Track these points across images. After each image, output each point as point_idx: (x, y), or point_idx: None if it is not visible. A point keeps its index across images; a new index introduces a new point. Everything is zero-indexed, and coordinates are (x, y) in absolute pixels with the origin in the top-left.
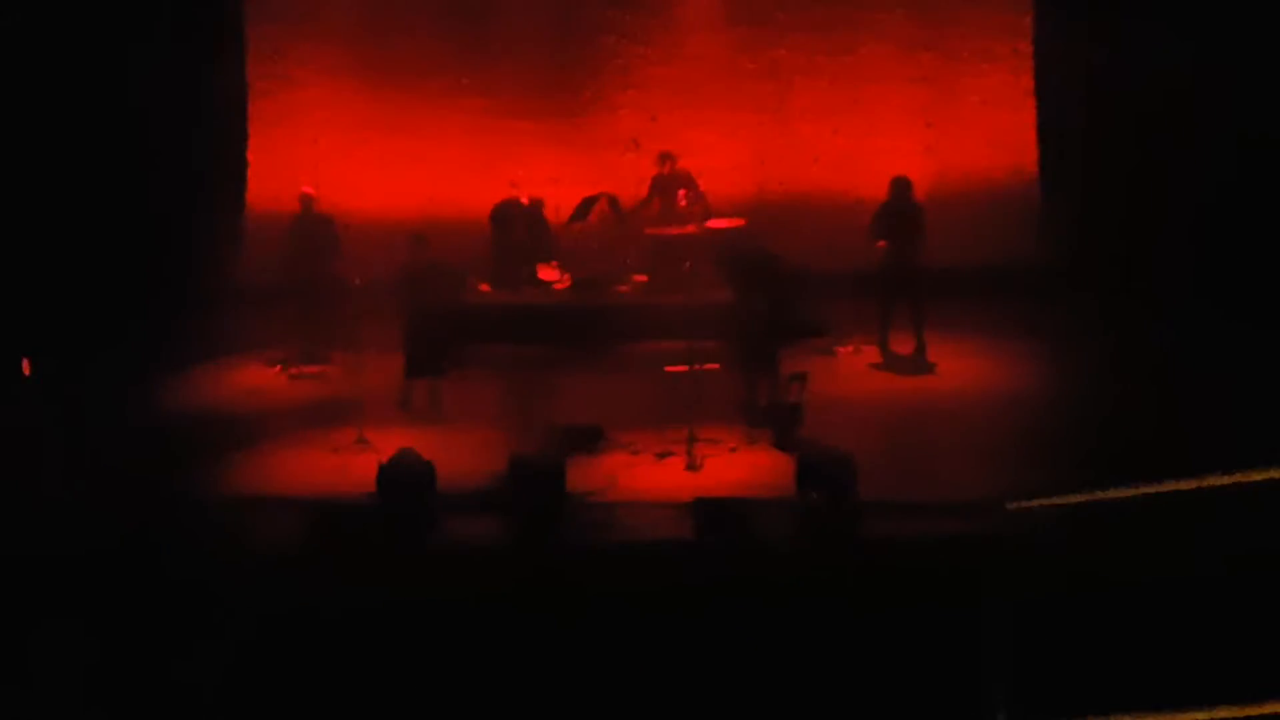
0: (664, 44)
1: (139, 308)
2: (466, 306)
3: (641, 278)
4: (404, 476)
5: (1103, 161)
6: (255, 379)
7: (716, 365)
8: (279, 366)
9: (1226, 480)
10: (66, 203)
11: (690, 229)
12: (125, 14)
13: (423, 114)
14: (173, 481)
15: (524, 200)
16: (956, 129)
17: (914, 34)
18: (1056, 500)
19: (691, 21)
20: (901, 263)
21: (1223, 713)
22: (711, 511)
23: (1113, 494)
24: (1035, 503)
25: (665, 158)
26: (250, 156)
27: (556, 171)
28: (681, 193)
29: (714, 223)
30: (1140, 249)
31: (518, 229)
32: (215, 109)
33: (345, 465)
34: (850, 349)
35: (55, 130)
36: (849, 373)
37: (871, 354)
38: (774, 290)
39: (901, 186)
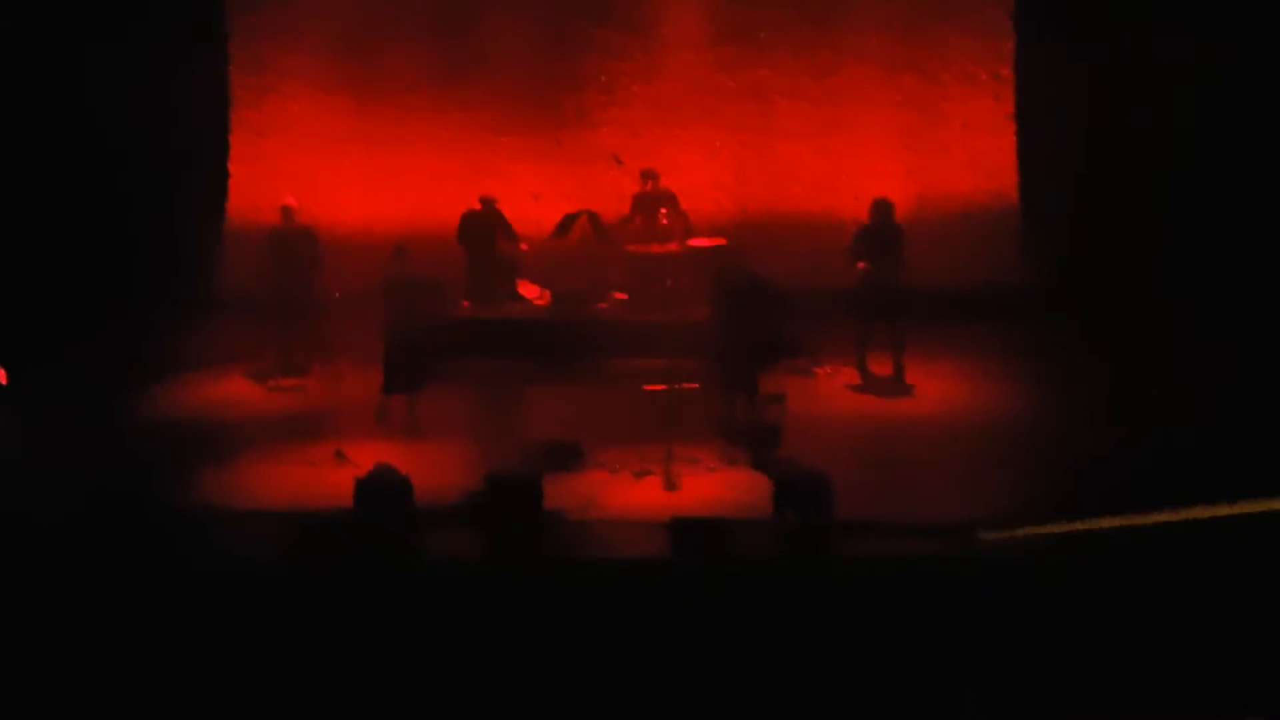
0: (647, 62)
1: (117, 317)
2: (446, 321)
3: (622, 295)
4: (381, 491)
5: (1083, 186)
6: (233, 390)
7: (695, 384)
8: (257, 378)
9: (1208, 513)
10: (45, 212)
11: (671, 247)
12: (108, 24)
13: (406, 127)
14: (148, 493)
15: (481, 206)
16: (938, 152)
17: (896, 56)
18: (1029, 530)
19: (675, 40)
20: (881, 284)
21: None
22: (688, 530)
23: (1087, 525)
24: (1008, 532)
25: (647, 175)
26: (232, 167)
27: (538, 187)
28: (663, 211)
29: (695, 241)
30: (1120, 273)
31: (491, 239)
32: (197, 120)
33: (322, 479)
34: (829, 370)
35: (36, 140)
36: (827, 394)
37: (850, 375)
38: (754, 310)
39: (882, 208)
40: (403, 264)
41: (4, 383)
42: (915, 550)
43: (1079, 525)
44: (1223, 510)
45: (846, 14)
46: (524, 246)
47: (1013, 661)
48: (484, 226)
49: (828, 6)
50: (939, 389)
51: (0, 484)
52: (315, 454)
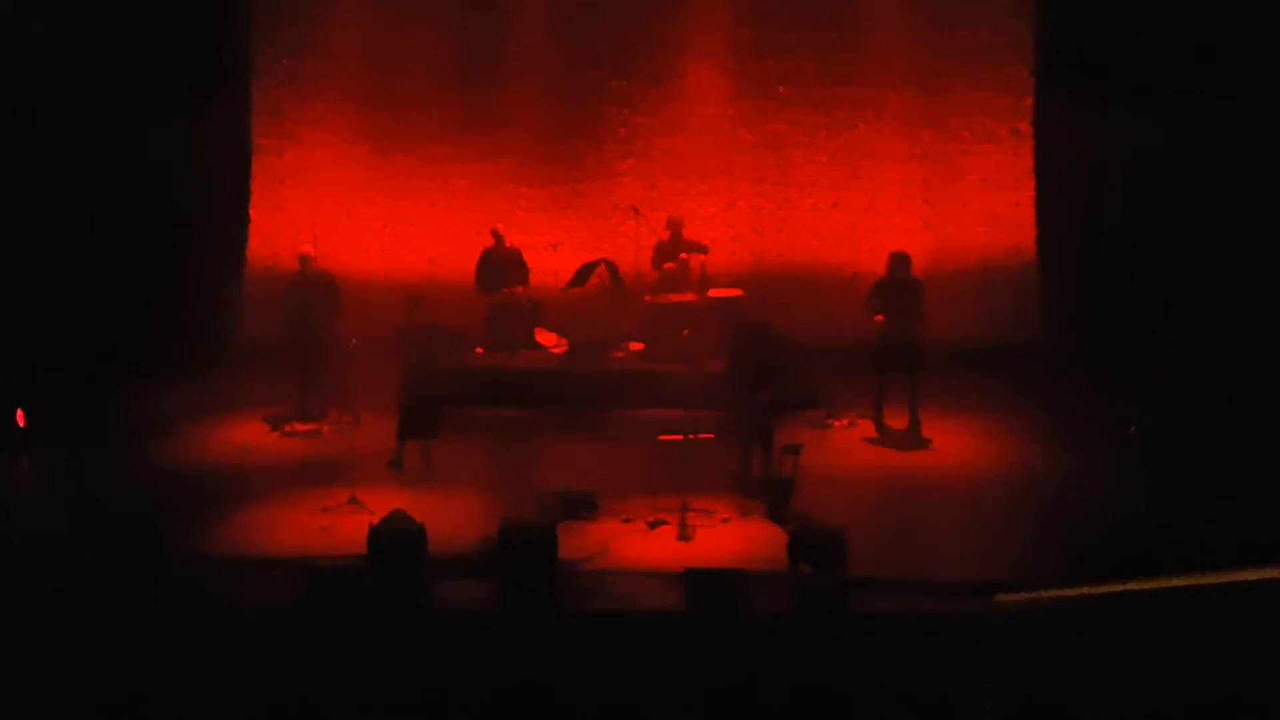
0: (666, 114)
1: (136, 362)
2: (462, 369)
3: (638, 345)
4: (395, 538)
5: (1101, 242)
6: (250, 436)
7: (711, 435)
8: (274, 424)
9: (1230, 578)
10: (66, 259)
11: (689, 297)
12: (133, 72)
13: (425, 177)
14: (165, 538)
15: (496, 245)
16: (956, 206)
17: (915, 111)
18: (1046, 594)
19: (694, 93)
20: (898, 338)
21: None
22: (702, 582)
23: (1105, 589)
24: (1024, 595)
25: (672, 224)
26: (252, 214)
27: (557, 237)
28: (697, 260)
29: (713, 292)
30: (1139, 330)
31: (508, 284)
32: (219, 167)
33: (336, 525)
34: (845, 422)
35: (56, 188)
36: (843, 446)
37: (866, 428)
38: (770, 362)
39: (900, 261)
40: (418, 312)
41: (22, 425)
42: (930, 609)
43: (1099, 588)
44: (1248, 574)
45: (865, 69)
46: (535, 294)
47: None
48: (499, 269)
49: (847, 61)
50: (956, 443)
51: (19, 528)
52: (330, 500)
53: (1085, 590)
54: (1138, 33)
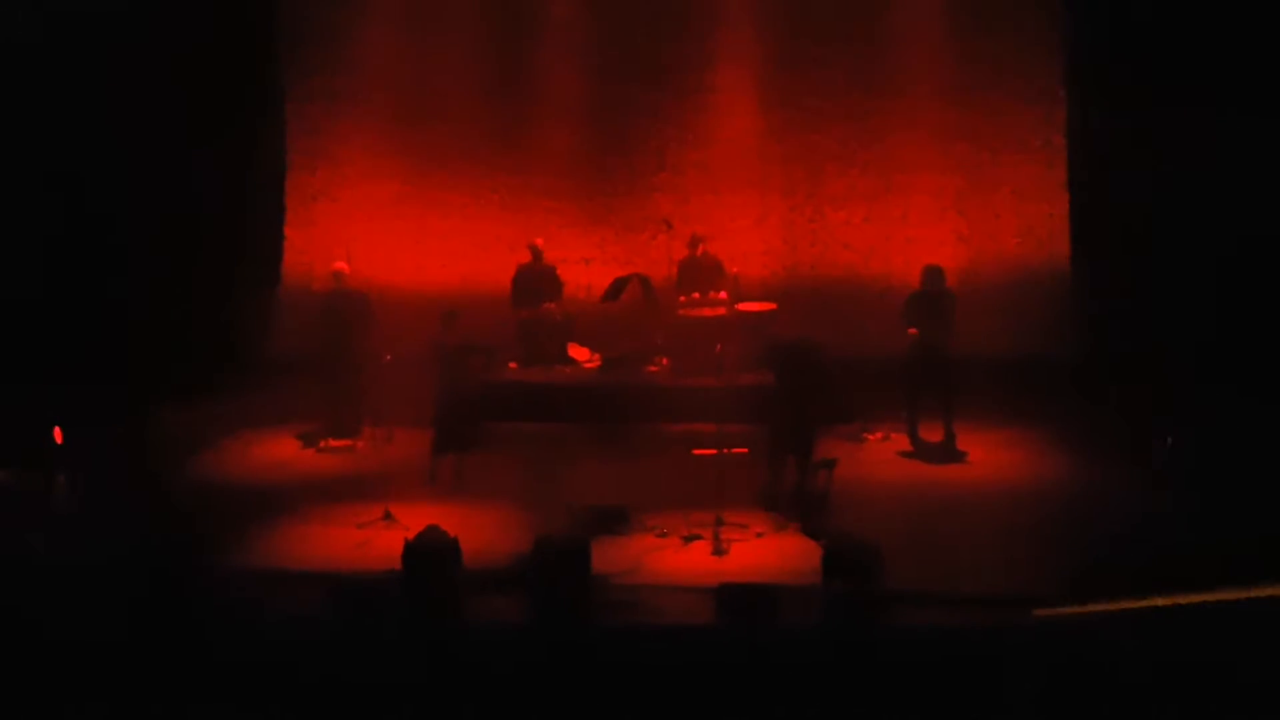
0: (698, 128)
1: (172, 378)
2: (496, 384)
3: (670, 359)
4: (429, 553)
5: (1135, 254)
6: (285, 452)
7: (745, 449)
8: (307, 440)
9: (1270, 591)
10: (101, 274)
11: (720, 311)
12: (167, 89)
13: (458, 192)
14: (200, 553)
15: (534, 260)
16: (989, 218)
17: (947, 123)
18: (1084, 609)
19: (725, 106)
20: (932, 350)
21: None
22: (737, 597)
23: (1144, 603)
24: (1062, 610)
25: (695, 240)
26: (287, 231)
27: (589, 251)
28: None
29: (744, 305)
30: (1174, 342)
31: (541, 299)
32: (253, 185)
33: (371, 540)
34: (880, 436)
35: (90, 203)
36: (878, 460)
37: (901, 441)
38: (804, 375)
39: (933, 274)
40: (452, 328)
41: (60, 442)
42: (966, 623)
43: (1135, 602)
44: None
45: (896, 81)
46: (568, 309)
47: None
48: (534, 284)
49: (877, 73)
50: (991, 456)
51: (56, 544)
52: (365, 515)
53: (1123, 605)
54: (1171, 42)
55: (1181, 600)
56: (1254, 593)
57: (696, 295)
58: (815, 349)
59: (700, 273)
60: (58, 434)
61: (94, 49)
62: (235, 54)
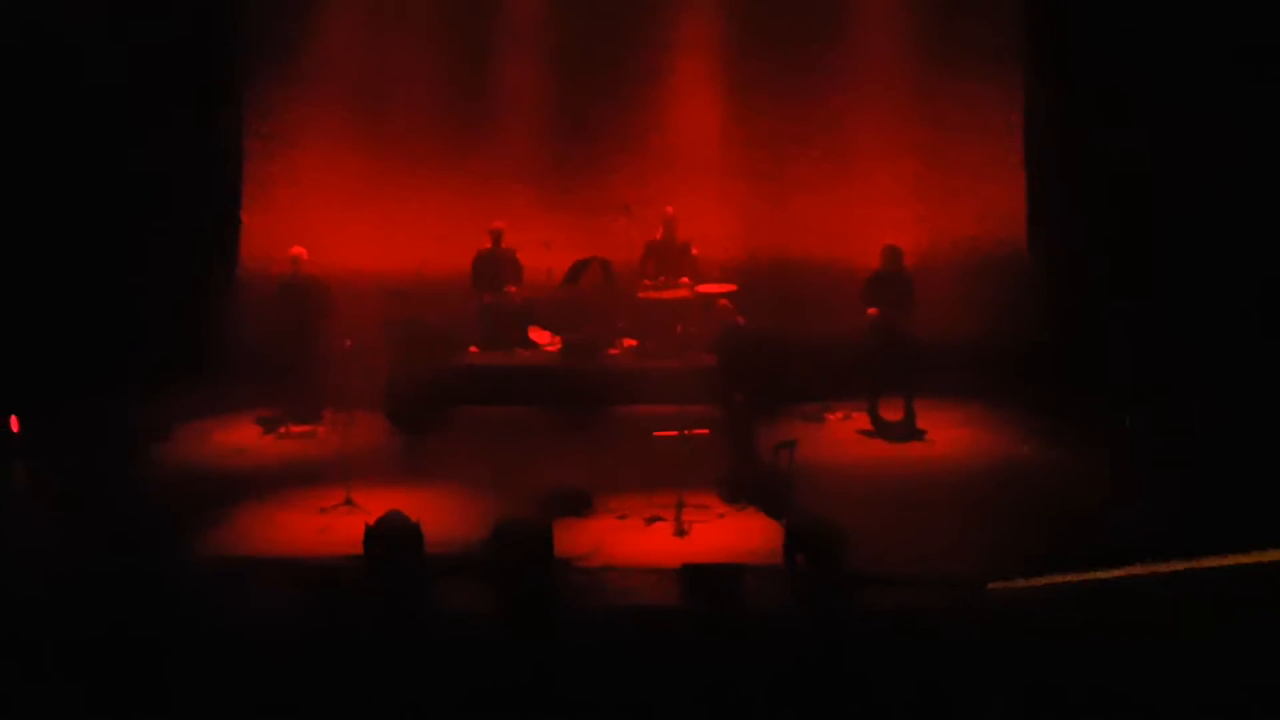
0: (658, 111)
1: (129, 365)
2: (456, 368)
3: (632, 341)
4: (391, 539)
5: (1091, 233)
6: (245, 438)
7: (706, 431)
8: (268, 426)
9: (1223, 562)
10: (58, 260)
11: (682, 293)
12: (122, 71)
13: (417, 177)
14: (159, 541)
15: (493, 245)
16: (948, 199)
17: (906, 105)
18: (1040, 580)
19: (685, 89)
20: (892, 330)
21: None
22: (699, 577)
23: (1099, 575)
24: (1018, 583)
25: (668, 221)
26: (244, 217)
27: (549, 235)
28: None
29: (705, 287)
30: (1129, 319)
31: (502, 283)
32: (209, 169)
33: (333, 526)
34: (840, 415)
35: (49, 185)
36: (839, 439)
37: (862, 421)
38: (751, 362)
39: (892, 255)
40: (401, 307)
41: (16, 431)
42: (926, 600)
43: (1092, 575)
44: (1238, 559)
45: (856, 63)
46: (528, 292)
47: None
48: (494, 268)
49: (837, 55)
50: (950, 435)
51: (13, 533)
52: (326, 501)
53: (1076, 577)
54: (1129, 22)
55: (1136, 571)
56: (1208, 564)
57: (663, 278)
58: (756, 334)
59: (668, 255)
60: (14, 422)
61: (48, 33)
62: (192, 37)
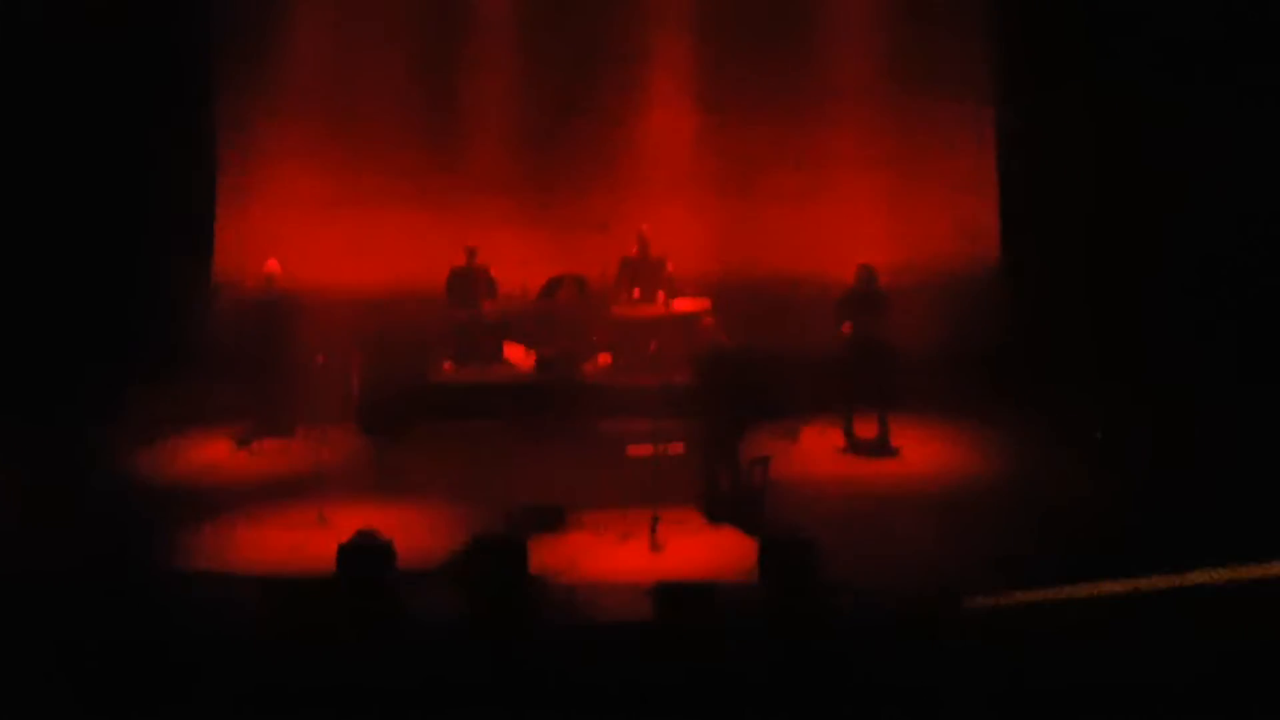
0: (633, 125)
1: (102, 379)
2: (432, 384)
3: (606, 358)
4: (364, 556)
5: (1065, 249)
6: (216, 454)
7: (681, 446)
8: (240, 441)
9: (1201, 579)
10: (31, 271)
11: (656, 310)
12: (96, 84)
13: (392, 192)
14: (131, 556)
15: (468, 262)
16: (922, 214)
17: (880, 120)
18: (1015, 597)
19: (660, 104)
20: (866, 346)
21: None
22: (673, 594)
23: (1073, 591)
24: (993, 599)
25: (643, 239)
26: (218, 231)
27: (524, 250)
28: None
29: (681, 303)
30: (1104, 336)
31: (477, 299)
32: (183, 182)
33: (306, 543)
34: (815, 431)
35: (18, 196)
36: (814, 455)
37: (836, 437)
38: (738, 372)
39: (867, 271)
40: (375, 321)
41: None
42: (901, 613)
43: (1067, 591)
44: (1212, 575)
45: (830, 78)
46: (503, 308)
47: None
48: (469, 284)
49: (811, 70)
50: (924, 450)
51: None
52: (299, 517)
53: (1053, 592)
54: (1099, 35)
55: (1112, 587)
56: (1182, 581)
57: (637, 293)
58: (736, 352)
59: (643, 271)
60: None
61: (18, 41)
62: (165, 48)
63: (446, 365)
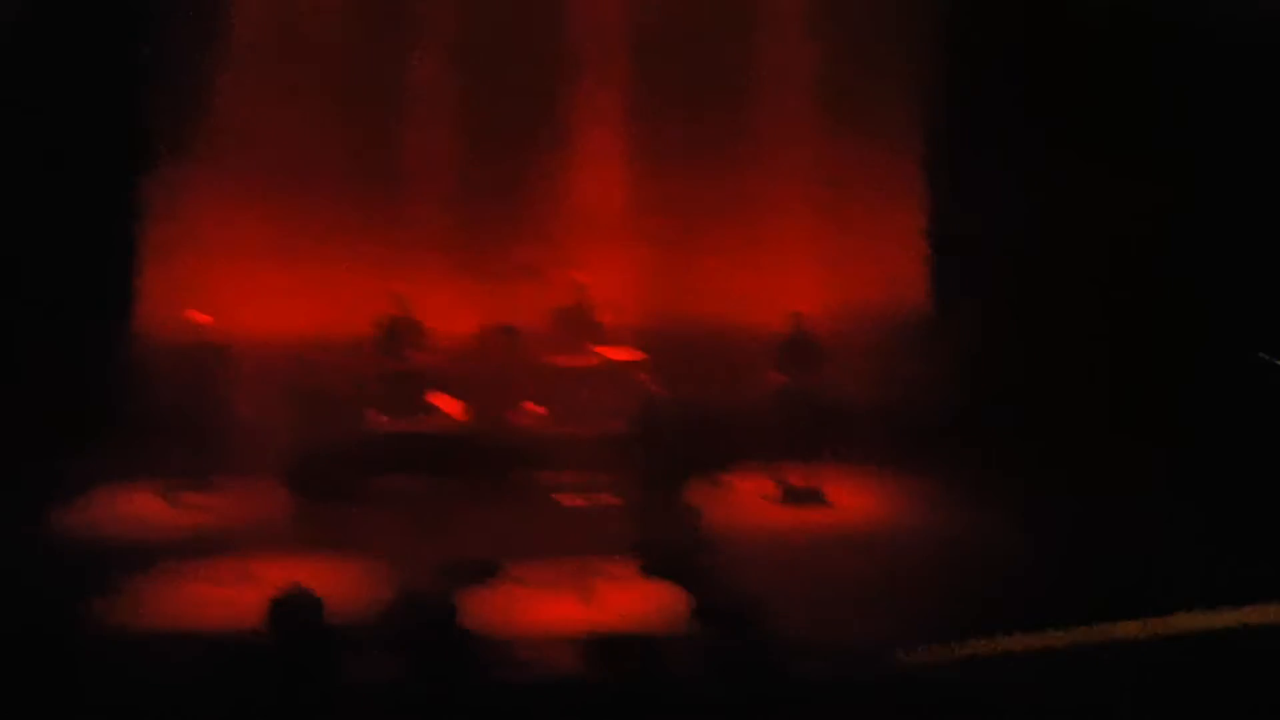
0: (565, 175)
1: (20, 434)
2: (358, 436)
3: (538, 409)
4: (292, 612)
5: (998, 299)
6: (142, 508)
7: (614, 498)
8: (165, 495)
9: (1135, 632)
10: None
11: (590, 361)
12: (23, 135)
13: (319, 240)
14: (52, 613)
15: (396, 311)
16: (855, 264)
17: (813, 170)
18: (948, 652)
19: (593, 153)
20: (799, 397)
21: None
22: (606, 647)
23: (1007, 644)
24: (925, 654)
25: (577, 288)
26: (143, 280)
27: (455, 300)
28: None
29: (614, 354)
30: (1036, 386)
31: (404, 348)
32: (104, 233)
33: (233, 599)
34: (748, 481)
35: None
36: (746, 505)
37: (768, 487)
38: (670, 423)
39: (799, 321)
40: (304, 374)
41: None
42: (831, 667)
43: (1000, 645)
44: (1145, 628)
45: (765, 129)
46: (431, 359)
47: None
48: (398, 334)
49: (745, 120)
50: (856, 501)
51: None
52: (226, 573)
53: (984, 646)
54: (1032, 78)
55: (1045, 641)
56: (1120, 634)
57: (570, 345)
58: (665, 403)
59: (575, 321)
60: None
61: None
62: (97, 94)
63: (374, 415)
